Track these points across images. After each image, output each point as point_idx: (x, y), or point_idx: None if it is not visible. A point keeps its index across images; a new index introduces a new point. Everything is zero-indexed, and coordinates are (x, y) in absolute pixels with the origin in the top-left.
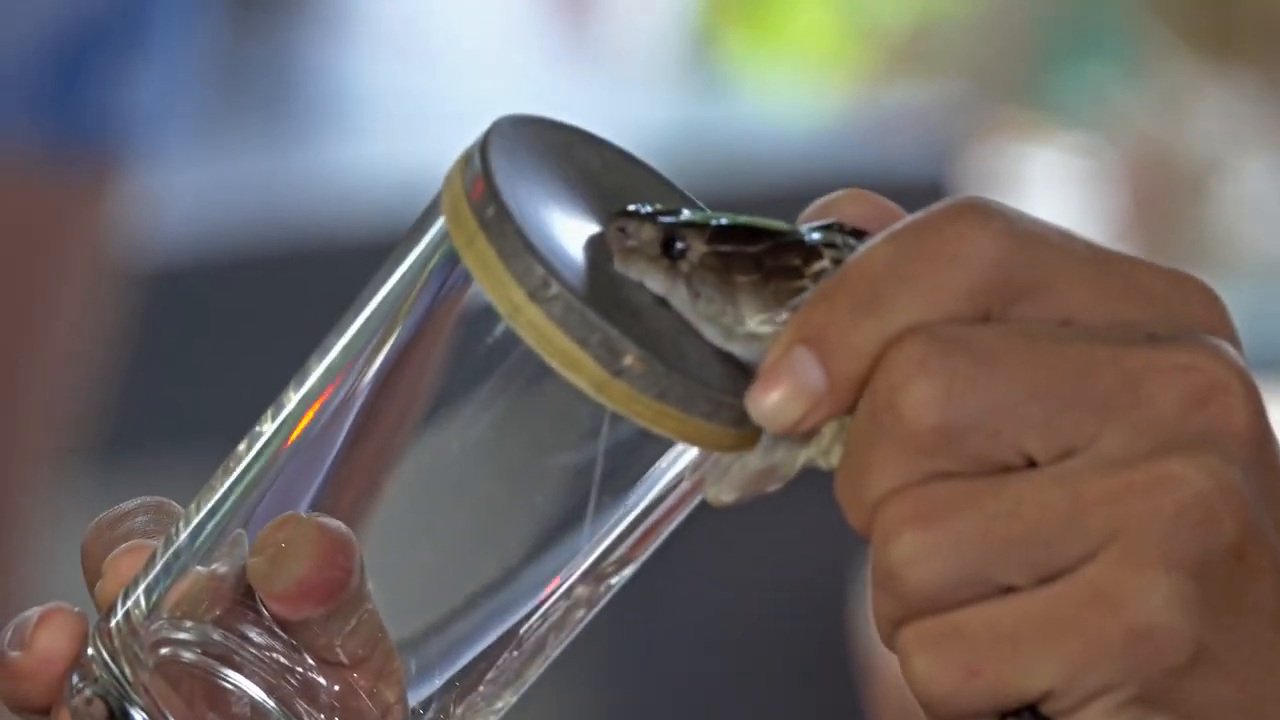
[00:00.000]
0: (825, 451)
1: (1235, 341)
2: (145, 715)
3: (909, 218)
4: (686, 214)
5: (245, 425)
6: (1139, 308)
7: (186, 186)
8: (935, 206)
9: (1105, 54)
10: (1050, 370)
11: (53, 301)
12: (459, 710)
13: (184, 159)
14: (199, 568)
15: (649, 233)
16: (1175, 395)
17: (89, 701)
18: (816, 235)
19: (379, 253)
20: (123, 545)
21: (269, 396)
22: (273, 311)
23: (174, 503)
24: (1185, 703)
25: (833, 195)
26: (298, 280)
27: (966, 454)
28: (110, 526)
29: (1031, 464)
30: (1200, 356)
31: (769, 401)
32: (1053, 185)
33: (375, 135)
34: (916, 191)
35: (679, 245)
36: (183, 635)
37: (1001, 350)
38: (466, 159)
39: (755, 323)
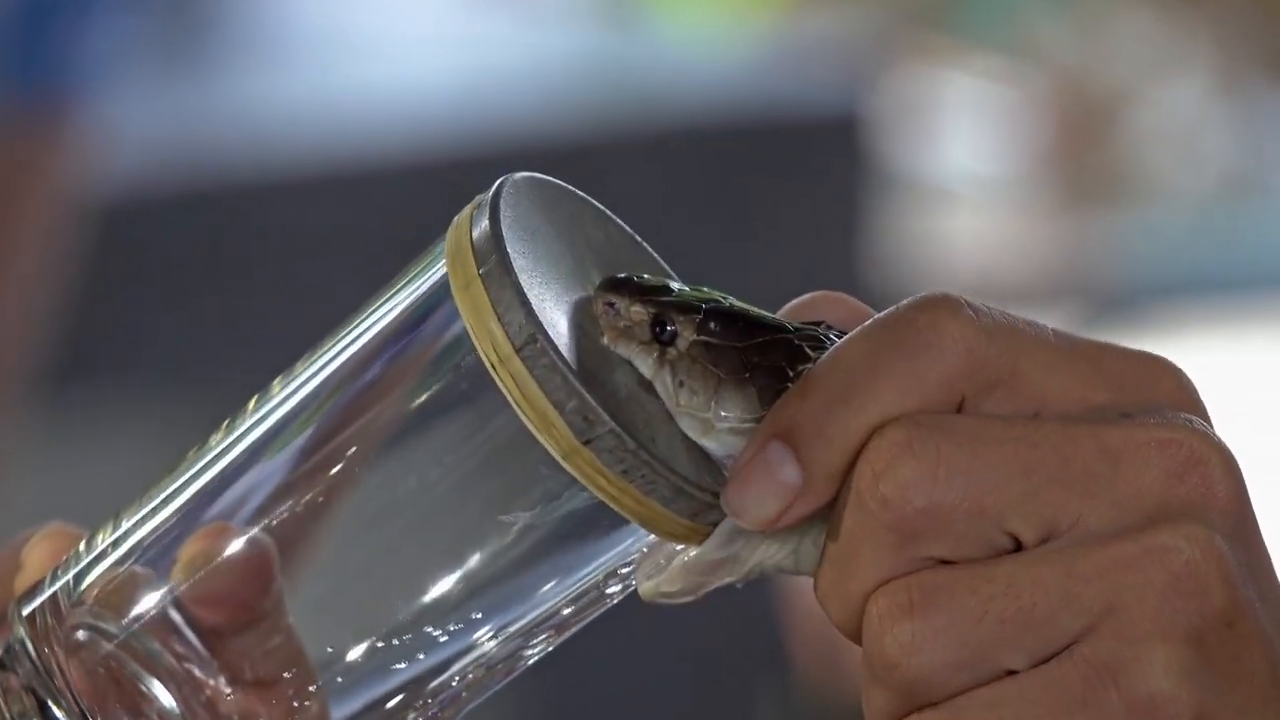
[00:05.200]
0: (794, 551)
1: (1207, 417)
2: (62, 704)
3: (881, 313)
4: (676, 290)
5: (195, 359)
6: (1111, 391)
7: (134, 125)
8: (906, 301)
9: None
10: (1031, 449)
11: (8, 248)
12: None
13: (132, 98)
14: (131, 564)
15: (639, 314)
16: (1156, 469)
17: (6, 686)
18: (804, 335)
19: (321, 186)
20: (41, 531)
21: (219, 330)
22: (223, 245)
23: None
24: None
25: (810, 296)
26: (243, 213)
27: (955, 536)
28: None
29: (1019, 546)
30: (1177, 432)
31: (744, 498)
32: (971, 112)
33: (305, 69)
34: (836, 120)
35: (669, 329)
36: (104, 626)
37: (982, 433)
38: (477, 206)
39: (735, 420)
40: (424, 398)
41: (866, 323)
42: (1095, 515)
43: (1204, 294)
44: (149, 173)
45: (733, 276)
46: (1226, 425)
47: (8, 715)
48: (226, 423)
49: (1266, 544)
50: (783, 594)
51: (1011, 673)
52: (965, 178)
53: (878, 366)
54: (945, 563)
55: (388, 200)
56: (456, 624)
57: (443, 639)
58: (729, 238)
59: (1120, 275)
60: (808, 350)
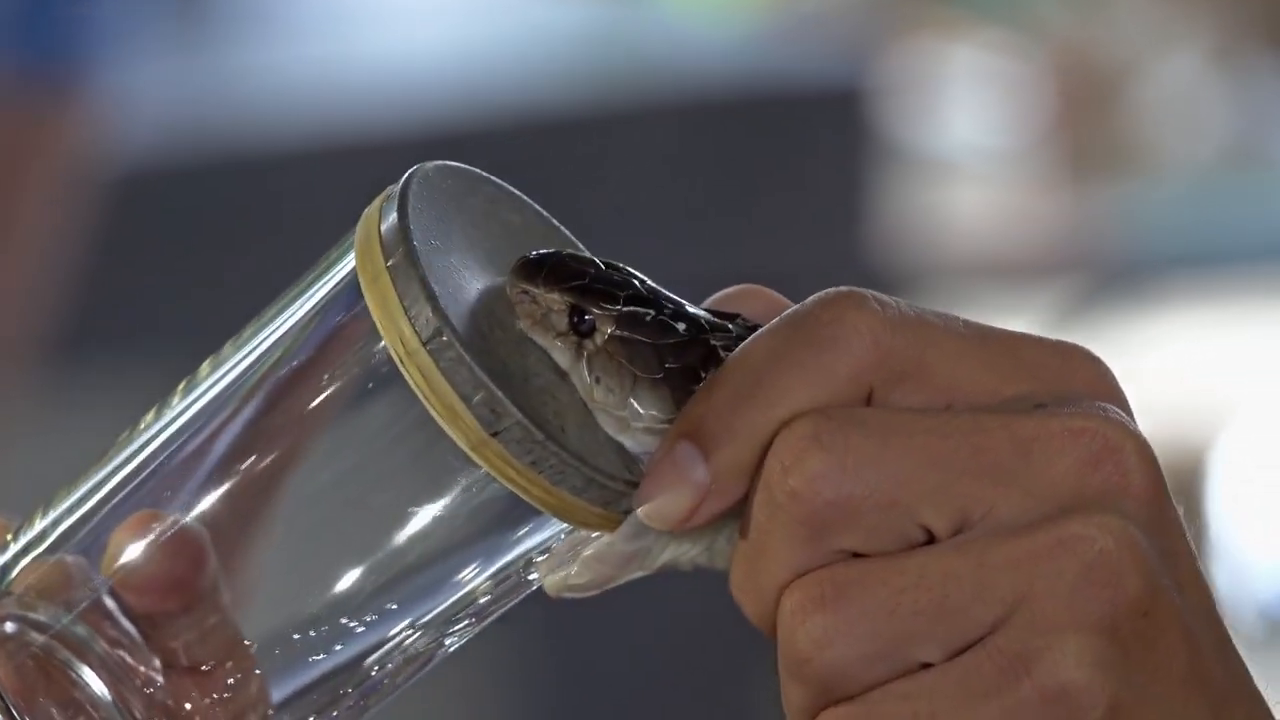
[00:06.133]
0: (708, 548)
1: (1126, 407)
2: None
3: (786, 311)
4: (592, 273)
5: (204, 329)
6: (1025, 381)
7: (144, 96)
8: (811, 298)
9: None
10: (942, 439)
11: (16, 216)
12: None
13: (141, 69)
14: (61, 553)
15: (556, 301)
16: (1069, 459)
17: None
18: (718, 332)
19: (329, 156)
20: None
21: (228, 300)
22: (232, 215)
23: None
24: None
25: (734, 289)
26: (252, 184)
27: (866, 529)
28: None
29: (931, 538)
30: (1091, 420)
31: (654, 499)
32: (972, 85)
33: (312, 40)
34: (838, 93)
35: (586, 318)
36: (34, 616)
37: (892, 424)
38: (386, 197)
39: (649, 420)
40: (339, 388)
41: (772, 321)
42: (1008, 506)
43: (1205, 266)
44: (158, 143)
45: (734, 249)
46: (1226, 399)
47: None
48: (155, 407)
49: (1187, 535)
50: None
51: (926, 665)
52: (967, 150)
53: (783, 361)
54: (858, 555)
55: (397, 171)
56: (373, 614)
57: (359, 630)
58: (730, 211)
59: (1122, 247)
60: (721, 353)
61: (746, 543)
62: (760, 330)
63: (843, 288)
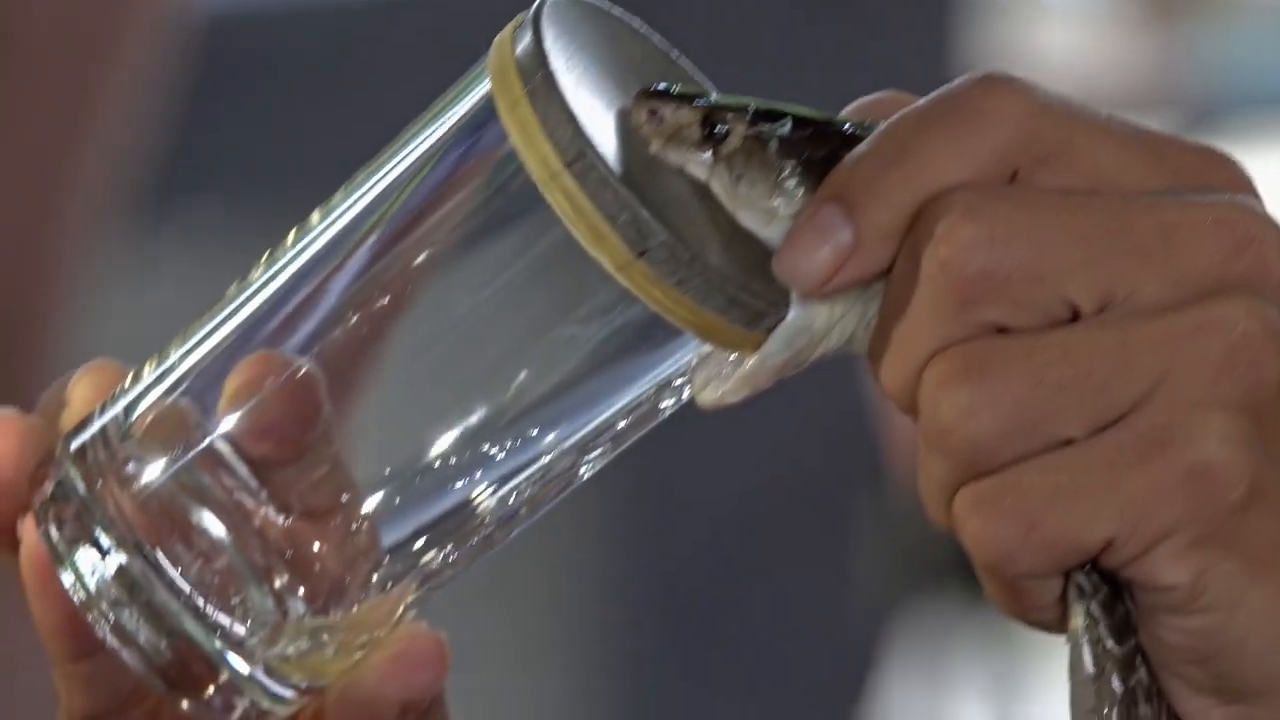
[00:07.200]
0: (849, 338)
1: (1263, 206)
2: (113, 533)
3: (935, 91)
4: (717, 97)
5: (302, 178)
6: (1168, 174)
7: None
8: (961, 78)
9: None
10: (1089, 217)
11: (110, 61)
12: (424, 562)
13: None
14: (179, 396)
15: (687, 116)
16: (1212, 246)
17: (59, 516)
18: (858, 127)
19: (419, 4)
20: (87, 365)
21: (328, 148)
22: (331, 61)
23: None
24: (1246, 543)
25: (875, 97)
26: (349, 31)
27: (1012, 302)
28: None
29: (1075, 319)
30: (1234, 211)
31: (795, 259)
32: None
33: None
34: None
35: (719, 129)
36: (154, 459)
37: (1040, 200)
38: (518, 25)
39: (797, 206)
40: (473, 219)
41: (920, 100)
42: (1152, 287)
43: None
44: None
45: (820, 88)
46: None
47: (61, 549)
48: (267, 254)
49: None
50: (880, 410)
51: (1069, 443)
52: None
53: (932, 134)
54: (1002, 332)
55: (487, 20)
56: (513, 437)
57: (499, 455)
58: (814, 51)
59: (1210, 86)
60: (862, 137)
61: (891, 314)
62: (908, 108)
63: (991, 70)
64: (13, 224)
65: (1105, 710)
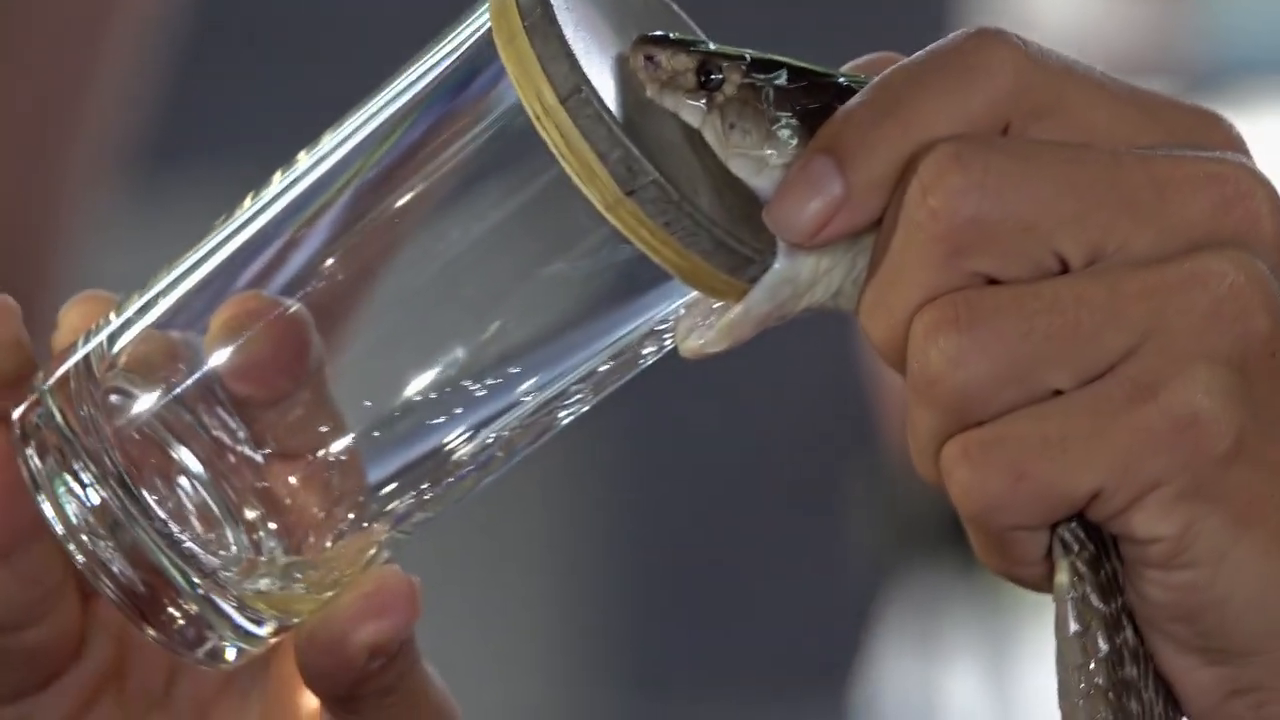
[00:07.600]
0: (835, 292)
1: (1255, 164)
2: (93, 466)
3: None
4: (714, 47)
5: (294, 138)
6: (1161, 132)
7: None
8: (955, 32)
9: None
10: (1080, 168)
11: (105, 19)
12: (399, 504)
13: None
14: (164, 329)
15: (684, 62)
16: (1203, 200)
17: (41, 445)
18: (852, 80)
19: None
20: (77, 295)
21: (320, 109)
22: (326, 21)
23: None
24: (1231, 497)
25: (868, 57)
26: None
27: (1002, 252)
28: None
29: (1064, 271)
30: (1225, 167)
31: (786, 209)
32: None
33: None
34: None
35: (715, 76)
36: (136, 390)
37: (1032, 151)
38: None
39: (789, 156)
40: (465, 159)
41: (915, 54)
42: (1142, 240)
43: None
44: None
45: (815, 44)
46: None
47: (41, 478)
48: (254, 192)
49: None
50: (874, 378)
51: (1057, 394)
52: None
53: (925, 86)
54: (991, 283)
55: None
56: (495, 379)
57: (481, 394)
58: (810, 21)
59: (1208, 52)
60: (855, 89)
61: (880, 263)
62: (901, 61)
63: (984, 26)
64: (14, 182)
65: (1090, 665)
